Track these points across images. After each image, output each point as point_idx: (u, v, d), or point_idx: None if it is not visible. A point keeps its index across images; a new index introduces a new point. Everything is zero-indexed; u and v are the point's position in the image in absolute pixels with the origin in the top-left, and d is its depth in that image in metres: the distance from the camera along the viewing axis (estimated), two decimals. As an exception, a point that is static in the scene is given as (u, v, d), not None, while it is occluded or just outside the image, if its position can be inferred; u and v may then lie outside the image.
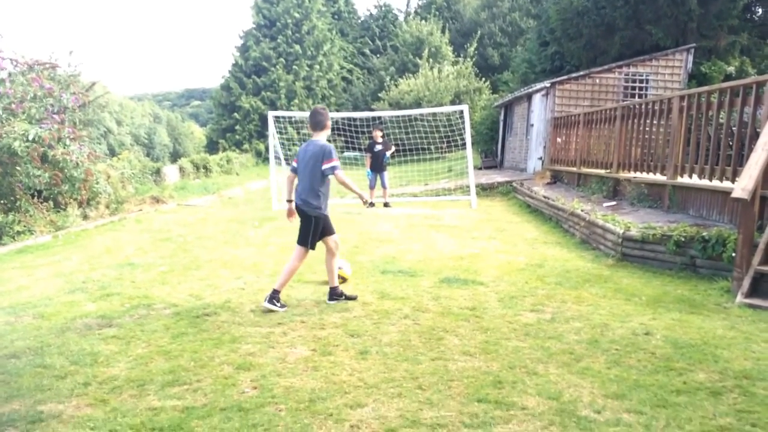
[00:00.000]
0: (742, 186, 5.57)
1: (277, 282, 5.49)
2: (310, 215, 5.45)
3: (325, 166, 5.33)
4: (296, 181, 5.56)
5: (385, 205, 13.74)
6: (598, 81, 16.57)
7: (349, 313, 5.25)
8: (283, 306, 5.39)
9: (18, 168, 9.63)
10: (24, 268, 7.52)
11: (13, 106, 9.56)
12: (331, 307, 5.42)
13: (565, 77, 16.97)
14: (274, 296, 5.36)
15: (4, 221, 10.03)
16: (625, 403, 3.50)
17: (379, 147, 13.61)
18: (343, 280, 6.28)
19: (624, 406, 3.45)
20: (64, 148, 10.08)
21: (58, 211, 11.91)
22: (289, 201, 5.71)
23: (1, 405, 3.48)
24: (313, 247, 5.59)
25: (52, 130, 9.67)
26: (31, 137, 9.17)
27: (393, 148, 14.12)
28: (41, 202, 11.37)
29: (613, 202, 9.98)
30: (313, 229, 5.48)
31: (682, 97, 8.61)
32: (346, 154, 28.43)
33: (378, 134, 13.87)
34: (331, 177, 5.45)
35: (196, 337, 4.63)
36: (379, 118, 20.85)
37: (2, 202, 9.94)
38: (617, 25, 17.54)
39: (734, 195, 5.56)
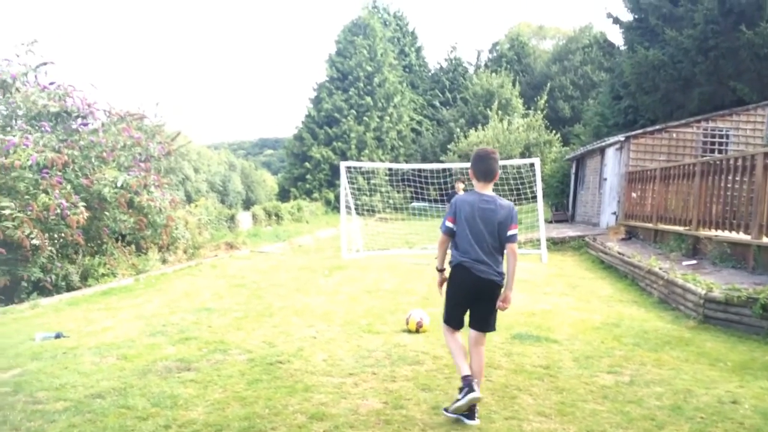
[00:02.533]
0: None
1: (464, 368, 4.12)
2: (495, 290, 4.16)
3: (511, 232, 4.10)
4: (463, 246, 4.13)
5: (454, 256, 13.67)
6: (675, 135, 16.19)
7: (421, 367, 5.22)
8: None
9: (106, 213, 10.19)
10: (108, 310, 7.86)
11: (105, 154, 10.17)
12: (403, 360, 5.41)
13: (640, 131, 16.67)
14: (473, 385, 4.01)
15: (90, 264, 10.55)
16: (712, 476, 3.33)
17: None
18: (416, 330, 6.29)
19: (712, 480, 3.28)
20: (149, 194, 10.60)
21: (139, 255, 12.44)
22: (441, 270, 4.43)
23: (88, 443, 3.62)
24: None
25: (138, 178, 10.22)
26: (119, 184, 9.71)
27: None
28: (124, 246, 11.94)
29: (693, 261, 9.63)
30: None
31: (766, 154, 8.32)
32: (414, 204, 28.66)
33: (460, 186, 13.94)
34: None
35: (270, 384, 4.70)
36: (450, 169, 20.97)
37: (90, 245, 10.48)
38: (696, 80, 17.22)
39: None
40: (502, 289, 4.16)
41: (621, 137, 16.55)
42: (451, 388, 4.66)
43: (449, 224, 4.19)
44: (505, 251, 4.15)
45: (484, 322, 4.25)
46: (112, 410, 4.15)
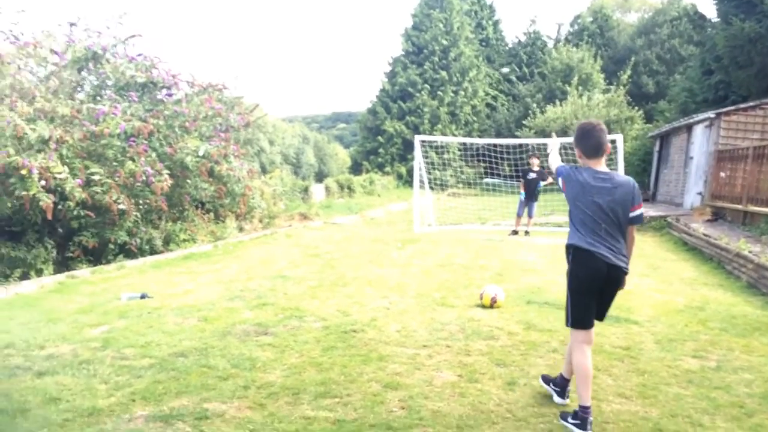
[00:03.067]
0: None
1: (585, 398, 3.58)
2: (622, 279, 3.69)
3: (634, 213, 3.63)
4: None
5: (526, 233, 13.44)
6: (770, 113, 15.22)
7: (495, 342, 5.15)
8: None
9: (188, 181, 10.50)
10: (189, 274, 8.14)
11: (187, 124, 10.44)
12: (477, 334, 5.35)
13: (732, 108, 15.75)
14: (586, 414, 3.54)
15: (172, 229, 10.93)
16: (808, 469, 3.14)
17: (533, 175, 13.32)
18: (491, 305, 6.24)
19: (808, 473, 3.10)
20: (228, 164, 10.84)
21: (217, 223, 12.81)
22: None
23: (171, 399, 3.77)
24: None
25: (219, 147, 10.45)
26: (201, 153, 9.96)
27: (550, 179, 13.66)
28: (204, 214, 12.32)
29: (787, 245, 9.08)
30: None
31: None
32: (486, 180, 28.25)
33: (535, 162, 13.58)
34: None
35: (345, 352, 4.75)
36: (525, 145, 20.50)
37: (172, 211, 10.85)
38: (795, 52, 16.11)
39: None
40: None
41: (711, 114, 15.70)
42: (527, 365, 4.58)
43: (560, 180, 3.79)
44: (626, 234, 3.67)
45: (601, 314, 3.77)
46: (194, 369, 4.29)
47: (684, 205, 17.21)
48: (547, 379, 4.01)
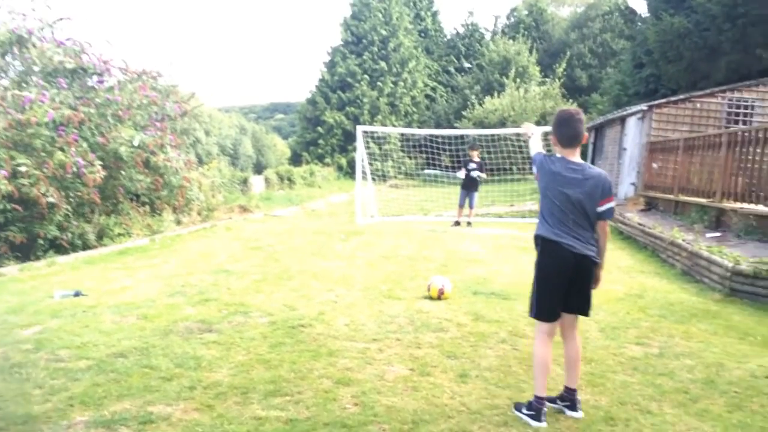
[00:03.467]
0: None
1: (572, 379, 3.71)
2: (593, 268, 3.65)
3: (602, 207, 3.55)
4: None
5: (468, 224, 13.56)
6: (699, 105, 15.81)
7: (445, 334, 5.13)
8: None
9: (122, 172, 10.10)
10: (126, 269, 7.82)
11: (120, 112, 10.04)
12: (426, 326, 5.32)
13: (663, 100, 16.31)
14: (574, 398, 3.68)
15: (105, 223, 10.49)
16: (753, 452, 3.24)
17: (473, 166, 13.42)
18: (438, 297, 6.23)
19: (753, 456, 3.19)
20: (165, 154, 10.49)
21: (154, 216, 12.38)
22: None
23: (113, 403, 3.57)
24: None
25: (155, 137, 10.10)
26: (136, 143, 9.60)
27: (485, 176, 13.77)
28: (139, 206, 11.88)
29: (717, 233, 9.45)
30: None
31: (800, 125, 8.08)
32: (426, 171, 28.43)
33: (474, 154, 13.69)
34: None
35: (293, 348, 4.63)
36: (463, 137, 20.68)
37: (105, 204, 10.41)
38: (722, 48, 16.77)
39: None
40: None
41: (643, 106, 16.21)
42: (478, 357, 4.58)
43: (534, 170, 3.74)
44: (596, 228, 3.60)
45: (580, 304, 3.67)
46: (135, 370, 4.09)
47: (618, 195, 17.74)
48: (551, 399, 3.72)
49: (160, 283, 6.88)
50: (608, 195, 3.56)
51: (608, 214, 3.59)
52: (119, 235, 10.63)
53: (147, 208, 12.23)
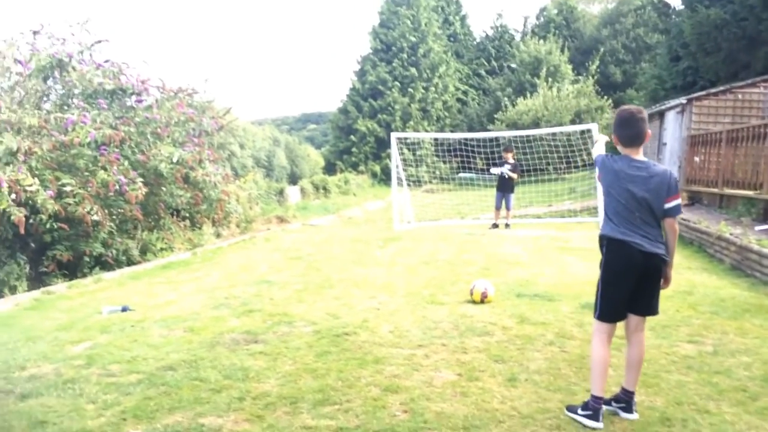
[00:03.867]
0: None
1: (632, 382, 3.63)
2: (662, 267, 3.57)
3: (669, 204, 3.48)
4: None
5: (506, 226, 13.43)
6: (740, 96, 15.39)
7: (491, 338, 5.08)
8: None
9: (163, 188, 10.26)
10: (169, 283, 7.94)
11: (159, 130, 10.20)
12: (471, 331, 5.26)
13: (703, 93, 15.91)
14: (630, 399, 3.60)
15: (148, 238, 10.68)
16: (819, 450, 3.11)
17: (508, 167, 13.29)
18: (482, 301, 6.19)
19: (820, 455, 3.07)
20: (204, 169, 10.63)
21: (194, 230, 12.56)
22: None
23: (165, 416, 3.61)
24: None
25: (193, 153, 10.24)
26: (175, 159, 9.74)
27: (516, 177, 13.56)
28: (179, 221, 12.06)
29: (766, 226, 9.17)
30: None
31: None
32: (461, 174, 28.30)
33: (508, 155, 13.56)
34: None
35: (339, 357, 4.63)
36: (497, 139, 20.54)
37: (148, 220, 10.60)
38: (762, 38, 16.30)
39: None
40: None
41: (683, 100, 15.85)
42: (525, 360, 4.51)
43: (597, 170, 3.78)
44: (663, 225, 3.53)
45: (648, 305, 3.60)
46: (185, 382, 4.14)
47: (659, 192, 17.36)
48: (606, 401, 3.60)
49: (204, 296, 6.96)
50: (675, 192, 3.50)
51: (676, 210, 3.52)
52: (161, 249, 10.81)
53: (187, 222, 12.41)
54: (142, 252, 10.25)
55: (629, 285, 3.51)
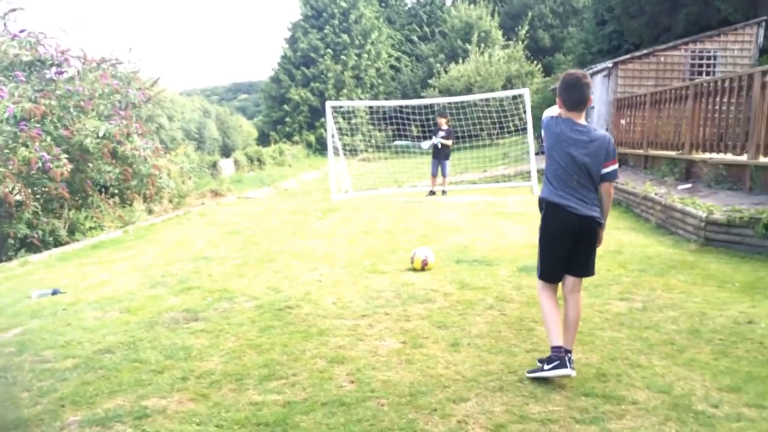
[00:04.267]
0: None
1: (569, 340, 3.64)
2: (597, 229, 3.67)
3: (606, 169, 3.58)
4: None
5: (443, 192, 13.59)
6: (662, 59, 15.93)
7: (433, 304, 5.15)
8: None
9: (89, 164, 9.87)
10: (102, 263, 7.68)
11: (83, 103, 9.78)
12: (414, 298, 5.33)
13: (627, 56, 16.38)
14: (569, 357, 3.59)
15: (76, 217, 10.29)
16: (742, 396, 3.32)
17: (442, 134, 13.37)
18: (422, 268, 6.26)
19: (742, 400, 3.28)
20: (132, 143, 10.27)
21: (124, 207, 12.17)
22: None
23: (105, 400, 3.52)
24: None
25: (121, 126, 9.87)
26: (101, 134, 9.37)
27: (451, 142, 13.65)
28: (108, 198, 11.65)
29: (688, 185, 9.60)
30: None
31: (764, 72, 8.18)
32: (396, 142, 28.34)
33: (442, 121, 13.60)
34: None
35: (283, 330, 4.61)
36: (432, 105, 20.64)
37: (74, 198, 10.19)
38: (682, 1, 16.85)
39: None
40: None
41: (609, 63, 16.29)
42: (467, 325, 4.61)
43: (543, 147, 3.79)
44: (599, 189, 3.63)
45: (584, 267, 3.71)
46: (124, 365, 4.03)
47: (588, 154, 17.88)
48: (543, 361, 3.70)
49: (139, 275, 6.77)
50: (613, 157, 3.60)
51: (612, 175, 3.63)
52: (91, 228, 10.45)
53: (116, 199, 12.01)
54: (70, 232, 9.88)
55: (566, 247, 3.62)
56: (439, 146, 13.28)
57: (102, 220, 10.81)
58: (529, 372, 3.65)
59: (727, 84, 9.29)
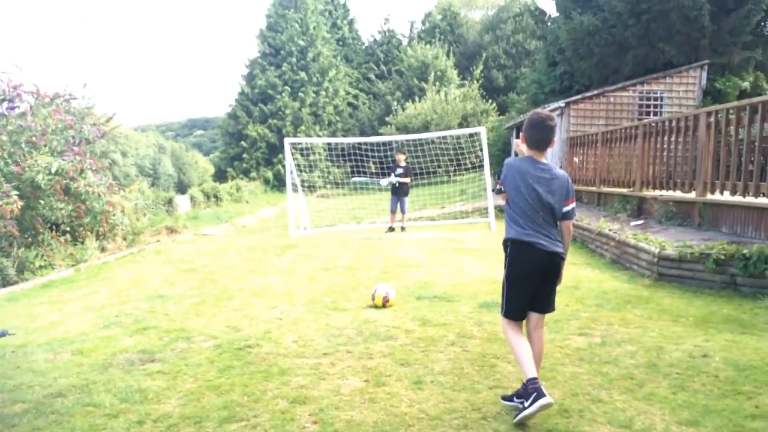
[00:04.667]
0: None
1: (530, 370, 3.52)
2: (561, 265, 3.77)
3: (567, 208, 3.71)
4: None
5: (402, 229, 13.66)
6: (612, 99, 16.56)
7: (395, 342, 5.13)
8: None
9: (41, 201, 9.60)
10: (53, 303, 7.43)
11: (35, 138, 9.55)
12: (375, 336, 5.30)
13: (579, 97, 16.96)
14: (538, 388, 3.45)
15: (26, 256, 9.96)
16: (701, 430, 3.39)
17: (400, 170, 13.51)
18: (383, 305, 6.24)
19: (701, 434, 3.33)
20: (86, 180, 10.04)
21: (75, 244, 11.83)
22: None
23: (57, 447, 3.37)
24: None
25: (74, 162, 9.65)
26: (54, 170, 9.15)
27: (409, 180, 13.80)
28: (59, 236, 11.31)
29: (641, 221, 9.88)
30: None
31: (709, 113, 8.56)
32: (354, 179, 28.47)
33: (401, 158, 13.76)
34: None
35: (243, 370, 4.51)
36: (390, 142, 20.85)
37: (25, 236, 9.88)
38: (629, 43, 17.58)
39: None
40: None
41: (561, 103, 16.81)
42: (430, 362, 4.59)
43: (498, 186, 3.84)
44: (559, 226, 3.73)
45: (547, 303, 3.77)
46: (77, 409, 3.88)
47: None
48: (506, 397, 3.78)
49: (92, 315, 6.57)
50: (572, 195, 3.73)
51: (572, 213, 3.75)
52: (41, 267, 10.12)
53: (68, 236, 11.67)
54: (20, 271, 9.56)
55: (534, 284, 3.68)
56: (397, 185, 13.40)
57: (53, 259, 10.48)
58: (515, 419, 3.47)
59: (674, 124, 9.67)
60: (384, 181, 13.71)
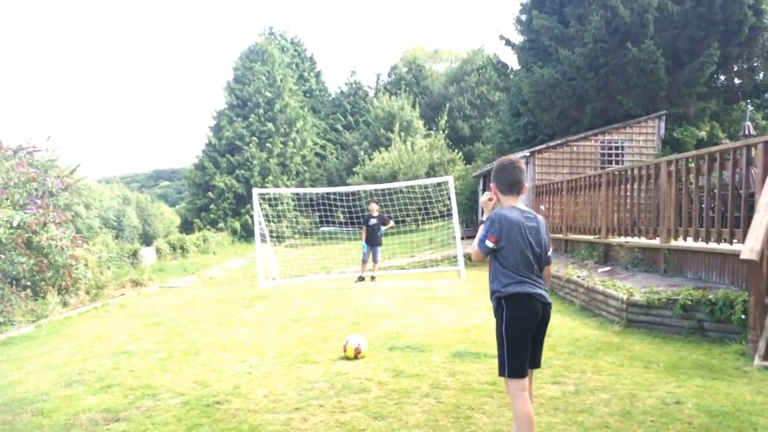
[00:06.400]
0: (750, 247, 5.61)
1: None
2: (549, 313, 3.67)
3: (549, 252, 3.69)
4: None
5: (372, 278, 13.61)
6: (575, 149, 16.99)
7: (368, 394, 5.04)
8: None
9: (1, 256, 9.35)
10: (12, 362, 7.15)
11: (-4, 192, 9.39)
12: (348, 389, 5.20)
13: (543, 146, 17.36)
14: None
15: (-18, 312, 9.61)
16: (678, 478, 3.36)
17: (373, 221, 13.61)
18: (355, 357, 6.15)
19: (679, 482, 3.31)
20: (49, 233, 9.83)
21: (36, 299, 11.48)
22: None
23: None
24: None
25: (37, 215, 9.46)
26: (15, 224, 8.96)
27: (391, 222, 14.14)
28: (20, 291, 10.97)
29: (608, 267, 10.01)
30: None
31: (669, 162, 8.81)
32: (323, 229, 28.41)
33: (374, 207, 13.92)
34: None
35: (212, 428, 4.37)
36: (359, 192, 20.94)
37: (-18, 292, 9.57)
38: (589, 95, 18.17)
39: (743, 257, 5.59)
40: None
41: (526, 152, 17.16)
42: (404, 414, 4.51)
43: (490, 244, 3.50)
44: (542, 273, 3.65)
45: (539, 356, 3.69)
46: (37, 475, 3.70)
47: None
48: None
49: (54, 373, 6.33)
50: (550, 240, 3.72)
51: (550, 258, 3.72)
52: (0, 324, 9.76)
53: (29, 291, 11.32)
54: (-24, 328, 9.19)
55: (531, 336, 3.56)
56: (380, 233, 13.55)
57: (12, 315, 10.13)
58: None
59: (636, 172, 9.92)
60: (365, 247, 13.73)
